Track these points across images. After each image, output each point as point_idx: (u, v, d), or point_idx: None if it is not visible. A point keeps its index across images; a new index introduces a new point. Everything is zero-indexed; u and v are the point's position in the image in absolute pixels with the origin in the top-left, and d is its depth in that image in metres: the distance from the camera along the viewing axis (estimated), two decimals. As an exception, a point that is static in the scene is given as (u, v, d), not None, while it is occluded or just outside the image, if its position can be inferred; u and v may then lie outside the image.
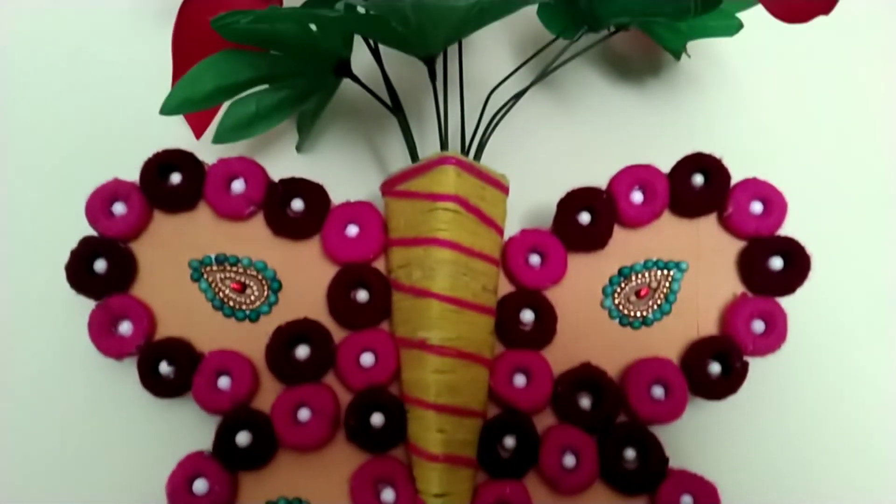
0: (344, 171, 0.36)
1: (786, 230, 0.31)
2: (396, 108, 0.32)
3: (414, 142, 0.31)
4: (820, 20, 0.27)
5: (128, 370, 0.29)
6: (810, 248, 0.30)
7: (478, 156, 0.31)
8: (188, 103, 0.29)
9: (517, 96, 0.32)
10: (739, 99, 0.38)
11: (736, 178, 0.31)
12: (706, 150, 0.31)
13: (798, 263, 0.30)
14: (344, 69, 0.32)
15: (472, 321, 0.29)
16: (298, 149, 0.36)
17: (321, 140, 0.36)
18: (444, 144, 0.30)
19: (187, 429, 0.30)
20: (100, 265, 0.30)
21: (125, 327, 0.29)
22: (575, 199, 0.31)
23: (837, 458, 0.33)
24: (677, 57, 0.36)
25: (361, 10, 0.26)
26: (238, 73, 0.30)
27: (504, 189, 0.31)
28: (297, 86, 0.32)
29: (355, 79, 0.32)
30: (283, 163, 0.36)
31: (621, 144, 0.36)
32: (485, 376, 0.29)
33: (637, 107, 0.38)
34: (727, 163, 0.31)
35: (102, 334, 0.29)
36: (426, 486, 0.28)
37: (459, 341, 0.28)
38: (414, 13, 0.25)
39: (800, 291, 0.30)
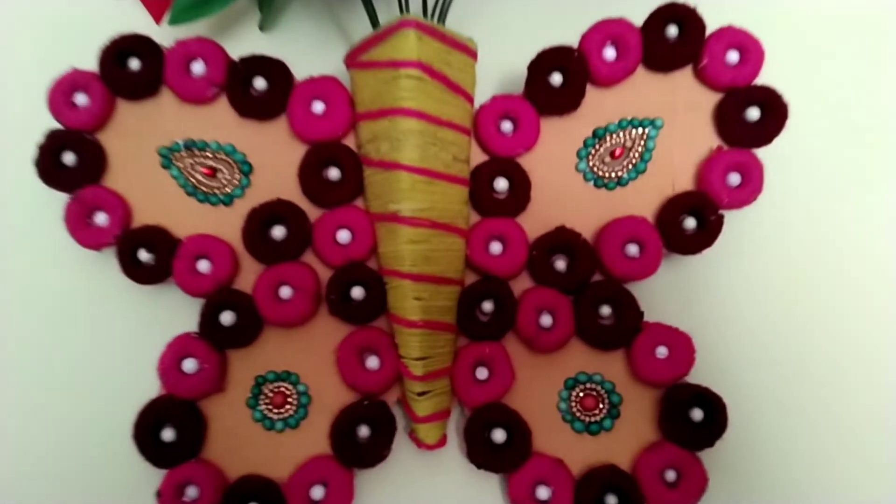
0: (310, 48, 0.34)
1: (763, 79, 0.30)
2: (355, -26, 0.30)
3: (374, 9, 0.30)
4: None
5: (108, 261, 0.30)
6: (789, 99, 0.30)
7: (441, 19, 0.30)
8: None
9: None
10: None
11: (711, 27, 0.30)
12: (680, -1, 0.30)
13: (775, 113, 0.29)
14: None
15: (444, 192, 0.29)
16: (262, 27, 0.35)
17: (284, 17, 0.35)
18: (403, 8, 0.29)
19: (172, 313, 0.31)
20: (69, 158, 0.29)
21: (101, 218, 0.29)
22: (545, 60, 0.30)
23: (813, 308, 0.33)
24: None
25: None
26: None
27: (472, 54, 0.30)
28: (249, -43, 0.30)
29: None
30: (246, 43, 0.34)
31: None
32: (460, 246, 0.30)
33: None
34: (702, 11, 0.30)
35: (80, 227, 0.29)
36: (407, 351, 0.29)
37: (432, 212, 0.28)
38: None
39: (777, 142, 0.30)
